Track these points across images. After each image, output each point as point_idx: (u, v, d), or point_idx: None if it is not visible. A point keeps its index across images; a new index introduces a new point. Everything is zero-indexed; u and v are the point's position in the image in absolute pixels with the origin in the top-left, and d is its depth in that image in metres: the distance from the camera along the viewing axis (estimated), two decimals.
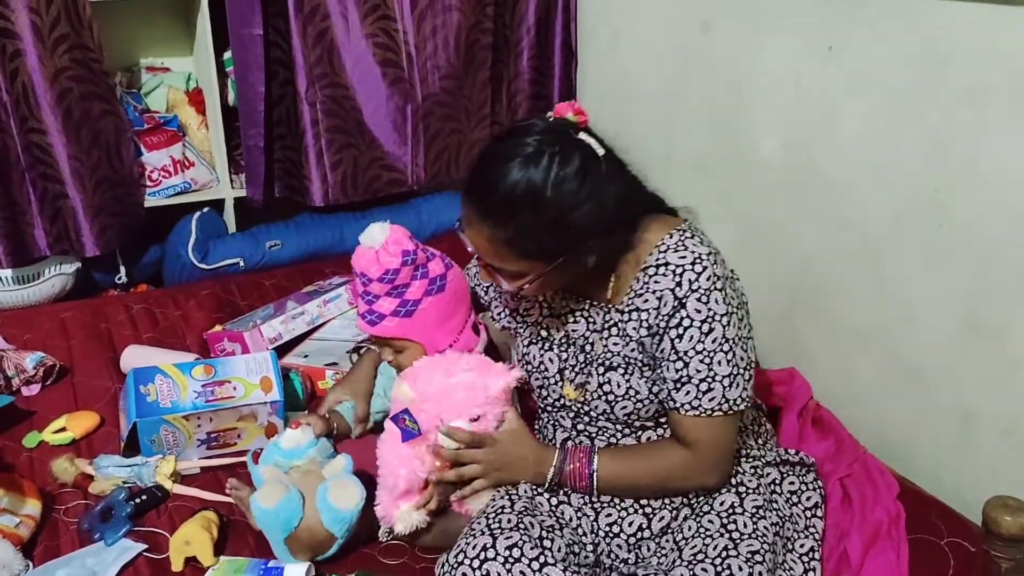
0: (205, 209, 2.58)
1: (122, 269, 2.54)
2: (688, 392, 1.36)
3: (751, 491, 1.45)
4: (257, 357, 1.84)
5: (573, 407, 1.51)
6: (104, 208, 2.38)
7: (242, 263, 2.53)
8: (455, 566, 1.30)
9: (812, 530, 1.48)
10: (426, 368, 1.51)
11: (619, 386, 1.43)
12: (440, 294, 1.53)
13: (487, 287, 1.65)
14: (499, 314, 1.64)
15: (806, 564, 1.43)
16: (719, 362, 1.35)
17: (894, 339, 1.78)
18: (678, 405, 1.38)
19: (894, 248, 1.75)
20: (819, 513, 1.51)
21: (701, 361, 1.35)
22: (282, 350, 2.03)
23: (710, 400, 1.36)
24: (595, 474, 1.43)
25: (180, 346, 2.11)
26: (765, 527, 1.39)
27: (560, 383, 1.51)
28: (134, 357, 1.96)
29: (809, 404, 1.80)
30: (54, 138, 2.27)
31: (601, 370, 1.45)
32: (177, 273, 2.52)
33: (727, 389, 1.36)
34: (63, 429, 1.79)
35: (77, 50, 2.24)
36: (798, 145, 1.92)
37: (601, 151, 1.31)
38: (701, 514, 1.43)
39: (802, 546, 1.45)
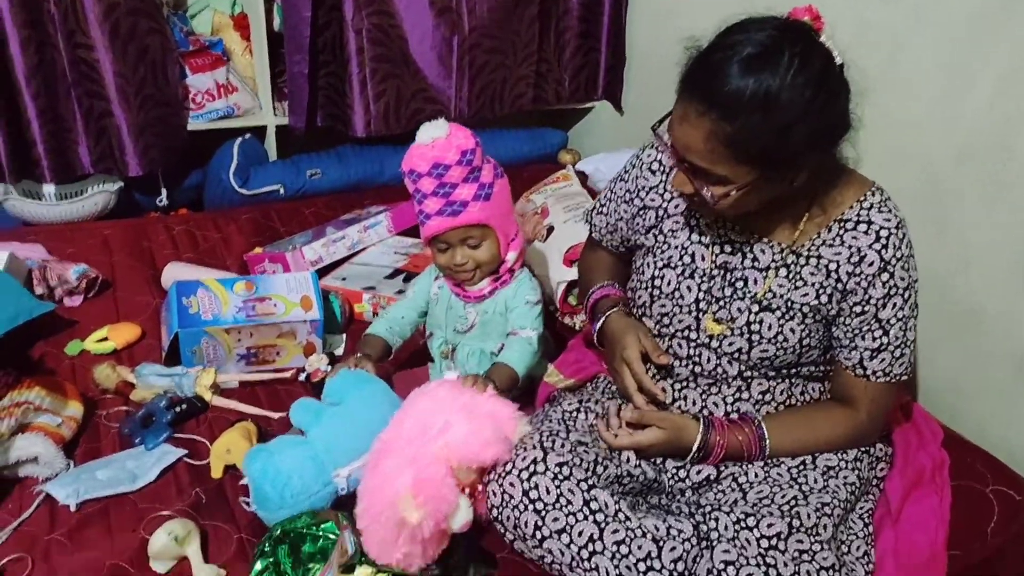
0: (247, 135, 2.57)
1: (163, 191, 2.55)
2: (883, 360, 1.35)
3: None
4: (298, 276, 1.83)
5: (700, 341, 1.42)
6: (148, 127, 2.38)
7: (282, 190, 2.52)
8: (503, 475, 1.29)
9: (870, 495, 1.45)
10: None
11: (770, 328, 1.36)
12: (503, 179, 1.54)
13: (638, 192, 1.50)
14: (635, 222, 1.52)
15: (865, 520, 1.40)
16: (911, 327, 1.35)
17: (950, 281, 1.74)
18: (869, 372, 1.36)
19: (955, 187, 1.70)
20: (875, 482, 1.47)
21: (900, 328, 1.33)
22: (320, 274, 2.01)
23: (900, 365, 1.36)
24: (767, 445, 1.38)
25: (220, 267, 2.11)
26: (837, 485, 1.37)
27: (694, 313, 1.41)
28: (175, 273, 1.96)
29: None
30: (100, 54, 2.25)
31: (755, 308, 1.37)
32: (218, 197, 2.52)
33: (911, 355, 1.37)
34: (105, 339, 1.80)
35: None
36: (859, 81, 1.86)
37: (839, 60, 1.20)
38: (771, 466, 1.39)
39: (861, 507, 1.42)
